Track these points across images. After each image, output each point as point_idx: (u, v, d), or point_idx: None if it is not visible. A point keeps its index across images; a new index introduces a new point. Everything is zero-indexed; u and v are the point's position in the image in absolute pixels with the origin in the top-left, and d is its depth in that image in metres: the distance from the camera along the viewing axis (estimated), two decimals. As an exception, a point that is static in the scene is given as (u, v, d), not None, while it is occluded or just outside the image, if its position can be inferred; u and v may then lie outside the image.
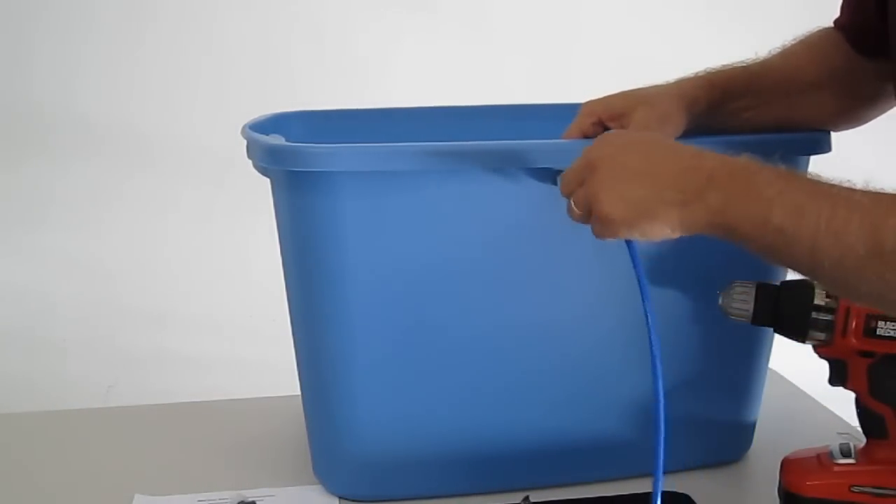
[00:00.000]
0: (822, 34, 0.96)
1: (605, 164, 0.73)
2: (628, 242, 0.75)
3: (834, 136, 0.94)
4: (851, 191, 0.65)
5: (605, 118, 0.90)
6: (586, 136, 0.90)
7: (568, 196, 0.76)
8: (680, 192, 0.69)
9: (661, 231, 0.71)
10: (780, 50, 0.96)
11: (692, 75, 0.93)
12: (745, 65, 0.94)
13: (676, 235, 0.71)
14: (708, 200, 0.68)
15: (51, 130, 2.65)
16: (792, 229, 0.65)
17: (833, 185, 0.66)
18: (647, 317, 0.75)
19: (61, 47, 2.61)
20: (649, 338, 0.75)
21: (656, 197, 0.70)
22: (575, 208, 0.75)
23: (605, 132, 0.78)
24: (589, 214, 0.74)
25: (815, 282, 0.68)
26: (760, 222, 0.66)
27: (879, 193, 0.64)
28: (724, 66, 0.93)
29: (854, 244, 0.63)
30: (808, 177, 0.68)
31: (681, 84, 0.91)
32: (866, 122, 0.96)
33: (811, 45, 0.96)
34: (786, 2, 2.25)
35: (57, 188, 2.66)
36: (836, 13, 0.96)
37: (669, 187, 0.70)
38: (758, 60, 0.95)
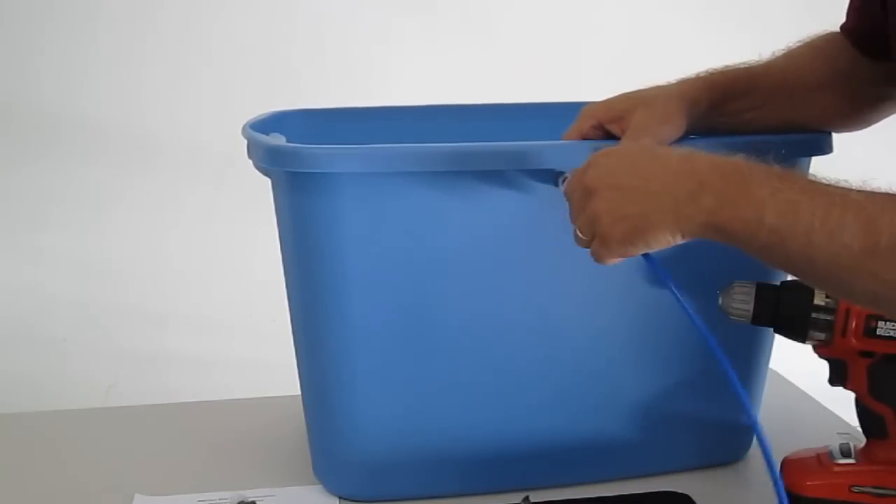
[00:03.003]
0: (828, 37, 0.96)
1: (599, 188, 0.74)
2: (646, 256, 0.76)
3: (835, 137, 0.94)
4: (847, 189, 0.66)
5: (604, 120, 0.90)
6: (585, 139, 0.90)
7: (575, 225, 0.78)
8: (673, 198, 0.70)
9: (662, 240, 0.72)
10: (783, 52, 0.96)
11: (693, 76, 0.93)
12: (747, 66, 0.94)
13: (676, 242, 0.72)
14: (701, 203, 0.69)
15: (51, 130, 2.64)
16: (786, 229, 0.65)
17: (828, 185, 0.67)
18: (691, 318, 0.76)
19: (63, 47, 2.61)
20: (705, 338, 0.76)
21: (652, 208, 0.71)
22: (581, 235, 0.77)
23: (594, 153, 0.79)
24: (593, 238, 0.75)
25: (811, 283, 0.69)
26: (754, 223, 0.66)
27: (875, 192, 0.65)
28: (726, 66, 0.93)
29: (849, 242, 0.63)
30: (803, 176, 0.68)
31: (682, 85, 0.91)
32: (869, 125, 0.96)
33: (815, 46, 0.96)
34: (789, 6, 2.25)
35: (58, 188, 2.65)
36: (838, 17, 0.96)
37: (662, 196, 0.71)
38: (761, 62, 0.94)
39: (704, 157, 0.71)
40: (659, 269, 0.77)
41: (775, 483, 0.72)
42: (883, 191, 0.65)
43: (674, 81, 0.92)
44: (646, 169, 0.74)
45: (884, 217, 0.62)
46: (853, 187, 0.66)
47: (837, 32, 0.96)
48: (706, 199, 0.69)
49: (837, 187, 0.66)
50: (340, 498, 0.97)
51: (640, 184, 0.73)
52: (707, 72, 0.93)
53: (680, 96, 0.89)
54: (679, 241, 0.72)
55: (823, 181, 0.67)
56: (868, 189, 0.65)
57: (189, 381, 2.20)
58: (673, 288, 0.76)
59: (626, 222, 0.73)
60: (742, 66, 0.94)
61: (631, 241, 0.73)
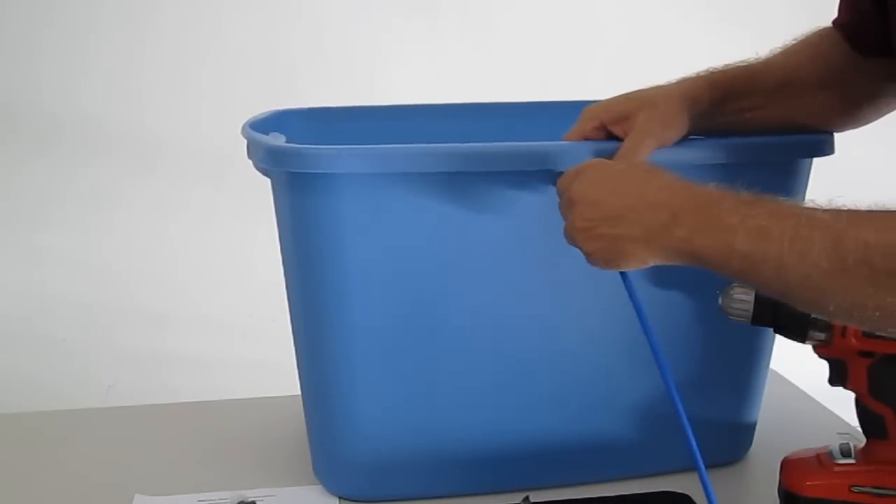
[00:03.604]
0: (822, 33, 0.96)
1: (580, 201, 0.77)
2: (621, 273, 0.80)
3: (836, 138, 0.94)
4: (813, 209, 0.68)
5: (606, 121, 0.89)
6: (587, 140, 0.90)
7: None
8: (646, 229, 0.73)
9: (633, 264, 0.76)
10: (781, 49, 0.96)
11: (693, 75, 0.92)
12: (746, 64, 0.94)
13: (648, 265, 0.75)
14: (674, 234, 0.72)
15: (51, 130, 2.65)
16: (757, 253, 0.67)
17: (795, 206, 0.69)
18: (648, 338, 0.80)
19: (63, 47, 2.61)
20: (657, 358, 0.80)
21: (625, 235, 0.74)
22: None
23: (589, 162, 0.81)
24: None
25: (787, 302, 0.71)
26: (726, 250, 0.69)
27: (839, 209, 0.67)
28: (725, 65, 0.93)
29: (818, 260, 0.65)
30: (772, 200, 0.70)
31: (682, 84, 0.91)
32: (868, 122, 0.96)
33: (811, 44, 0.96)
34: (788, 5, 2.25)
35: (58, 188, 2.66)
36: (835, 13, 0.96)
37: (636, 225, 0.74)
38: (759, 60, 0.94)
39: (682, 188, 0.74)
40: (628, 280, 0.80)
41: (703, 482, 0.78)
42: (847, 208, 0.67)
43: (674, 81, 0.92)
44: (627, 193, 0.76)
45: (849, 234, 0.64)
46: (819, 206, 0.68)
47: (832, 28, 0.96)
48: (678, 230, 0.71)
49: (804, 208, 0.68)
50: (340, 498, 0.97)
51: (618, 207, 0.75)
52: (707, 71, 0.93)
53: (682, 96, 0.89)
54: (651, 264, 0.75)
55: (790, 203, 0.70)
56: (833, 207, 0.67)
57: (189, 381, 2.21)
58: (634, 295, 0.80)
59: (598, 242, 0.76)
60: (741, 64, 0.94)
61: (604, 259, 0.77)
